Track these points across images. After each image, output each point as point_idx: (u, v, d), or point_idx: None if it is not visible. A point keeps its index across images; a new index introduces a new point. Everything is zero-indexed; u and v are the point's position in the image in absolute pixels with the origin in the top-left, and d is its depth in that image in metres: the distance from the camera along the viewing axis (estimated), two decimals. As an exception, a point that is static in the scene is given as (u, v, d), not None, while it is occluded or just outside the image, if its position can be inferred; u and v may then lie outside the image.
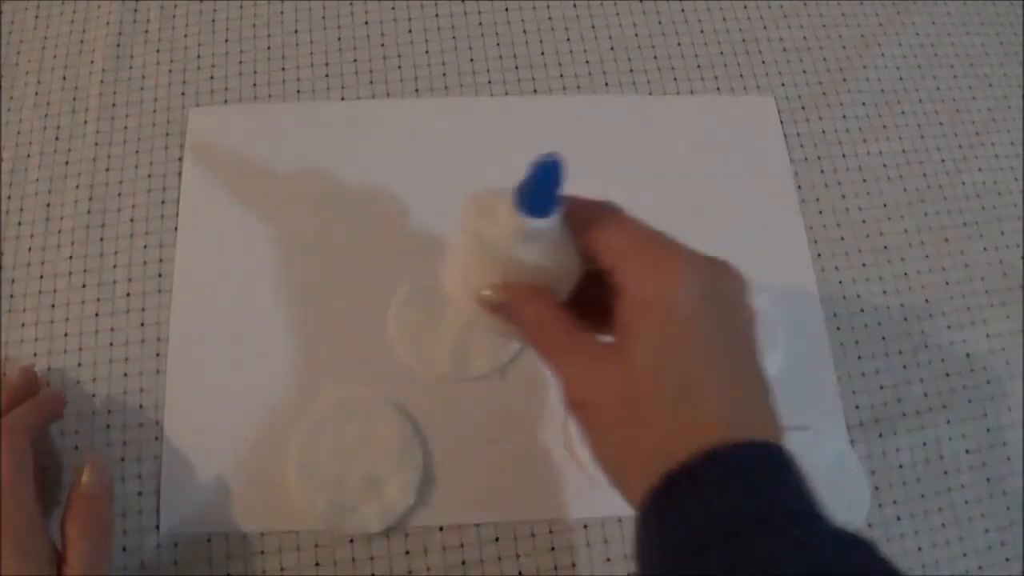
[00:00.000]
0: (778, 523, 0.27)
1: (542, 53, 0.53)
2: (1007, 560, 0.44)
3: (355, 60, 0.52)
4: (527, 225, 0.31)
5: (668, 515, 0.28)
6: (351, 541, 0.42)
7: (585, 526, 0.43)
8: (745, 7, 0.56)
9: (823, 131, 0.53)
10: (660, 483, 0.29)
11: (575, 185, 0.35)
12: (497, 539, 0.42)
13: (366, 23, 0.54)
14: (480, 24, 0.54)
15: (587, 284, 0.34)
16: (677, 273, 0.31)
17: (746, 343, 0.33)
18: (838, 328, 0.48)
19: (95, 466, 0.38)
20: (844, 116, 0.53)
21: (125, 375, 0.44)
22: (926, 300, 0.49)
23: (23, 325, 0.45)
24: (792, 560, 0.26)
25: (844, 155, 0.52)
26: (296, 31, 0.53)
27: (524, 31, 0.54)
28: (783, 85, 0.54)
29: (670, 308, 0.31)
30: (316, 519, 0.41)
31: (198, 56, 0.52)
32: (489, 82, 0.52)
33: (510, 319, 0.35)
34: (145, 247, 0.47)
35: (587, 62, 0.53)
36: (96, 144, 0.50)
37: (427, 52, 0.53)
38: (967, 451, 0.46)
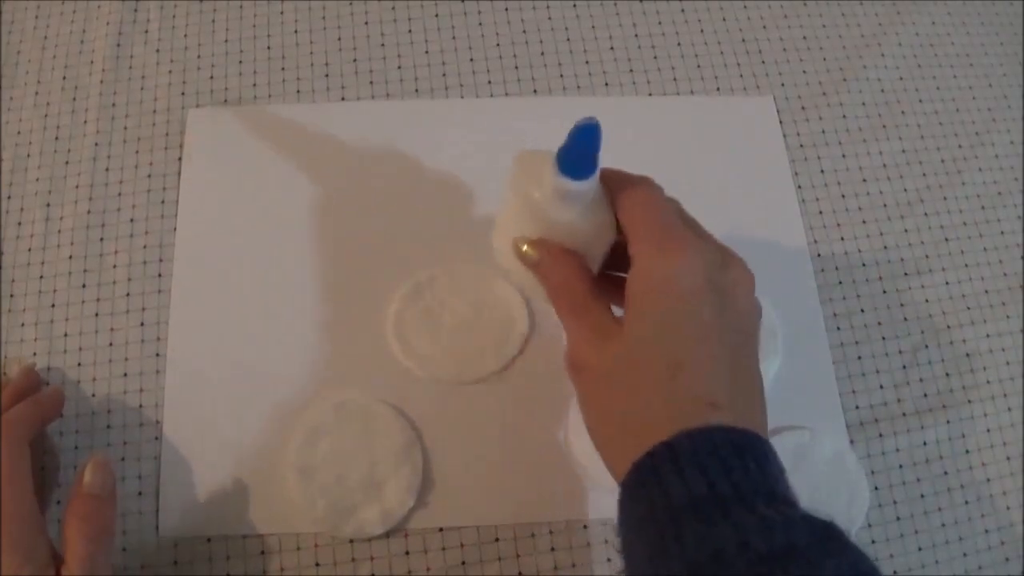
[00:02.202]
0: (751, 503, 0.28)
1: (542, 53, 0.53)
2: (1007, 560, 0.44)
3: (355, 60, 0.52)
4: (565, 186, 0.32)
5: (648, 489, 0.29)
6: (351, 541, 0.42)
7: (585, 526, 0.43)
8: (745, 7, 0.56)
9: (823, 131, 0.53)
10: (643, 458, 0.30)
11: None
12: (497, 539, 0.42)
13: (366, 23, 0.54)
14: (480, 24, 0.54)
15: (624, 252, 0.34)
16: (683, 255, 0.32)
17: (744, 335, 0.33)
18: (838, 328, 0.48)
19: (97, 466, 0.38)
20: (844, 116, 0.53)
21: (125, 375, 0.44)
22: (926, 300, 0.49)
23: (23, 325, 0.45)
24: (761, 536, 0.26)
25: (844, 155, 0.52)
26: (296, 31, 0.53)
27: (524, 31, 0.54)
28: (783, 85, 0.54)
29: (671, 287, 0.32)
30: (316, 522, 0.41)
31: (198, 56, 0.52)
32: (489, 82, 0.52)
33: (539, 276, 0.36)
34: (145, 247, 0.47)
35: (587, 62, 0.53)
36: (96, 144, 0.50)
37: (427, 52, 0.53)
38: (967, 451, 0.46)
